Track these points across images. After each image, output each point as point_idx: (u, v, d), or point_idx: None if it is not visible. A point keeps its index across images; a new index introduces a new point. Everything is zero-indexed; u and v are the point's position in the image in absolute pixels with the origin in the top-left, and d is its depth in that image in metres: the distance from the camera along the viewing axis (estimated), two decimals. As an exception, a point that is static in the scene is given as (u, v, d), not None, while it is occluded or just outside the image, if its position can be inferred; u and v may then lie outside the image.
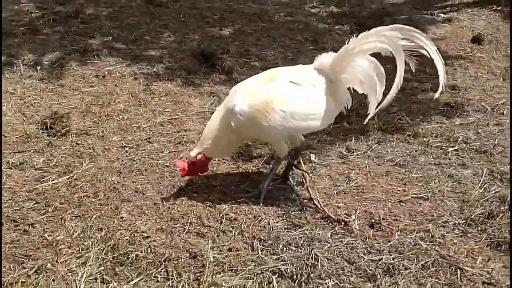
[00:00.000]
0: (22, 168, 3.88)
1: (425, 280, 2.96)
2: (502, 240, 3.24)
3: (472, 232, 3.35)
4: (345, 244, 3.24)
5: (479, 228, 3.37)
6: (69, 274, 2.97)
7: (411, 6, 7.43)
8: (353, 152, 4.20)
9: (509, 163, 4.01)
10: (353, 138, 4.35)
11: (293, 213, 3.49)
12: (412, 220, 3.46)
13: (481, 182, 3.80)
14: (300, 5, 7.39)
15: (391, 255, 3.15)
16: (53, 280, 2.92)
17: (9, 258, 3.06)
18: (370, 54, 3.29)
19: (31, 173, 3.84)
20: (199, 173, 3.66)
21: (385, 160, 4.11)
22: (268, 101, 3.31)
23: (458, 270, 3.03)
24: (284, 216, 3.45)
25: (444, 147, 4.26)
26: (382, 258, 3.11)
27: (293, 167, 3.80)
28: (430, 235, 3.31)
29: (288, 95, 3.33)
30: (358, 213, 3.50)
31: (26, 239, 3.23)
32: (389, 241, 3.25)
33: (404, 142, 4.35)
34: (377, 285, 2.95)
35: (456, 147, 4.25)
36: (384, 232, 3.33)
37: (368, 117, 3.33)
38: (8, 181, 3.72)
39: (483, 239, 3.29)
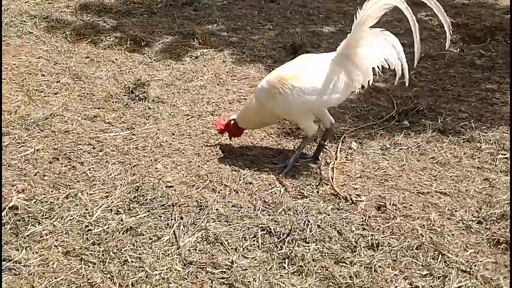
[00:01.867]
0: (94, 120, 4.43)
1: (402, 258, 3.03)
2: (502, 238, 3.19)
3: (477, 228, 3.33)
4: (342, 218, 3.39)
5: (487, 226, 3.34)
6: (91, 202, 3.41)
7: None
8: (397, 146, 4.26)
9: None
10: (403, 134, 4.40)
11: (307, 187, 3.68)
12: (422, 210, 3.49)
13: (516, 190, 3.71)
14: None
15: (383, 234, 3.24)
16: (76, 205, 3.38)
17: (50, 184, 3.58)
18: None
19: (100, 124, 4.38)
20: (233, 136, 4.04)
21: (428, 158, 4.15)
22: (282, 78, 3.62)
23: (440, 255, 3.06)
24: (298, 188, 3.65)
25: (494, 154, 4.19)
26: (373, 235, 3.22)
27: (324, 148, 3.98)
28: (431, 223, 3.33)
29: (301, 73, 3.60)
30: (371, 196, 3.60)
31: (72, 172, 3.74)
32: (388, 223, 3.34)
33: (456, 145, 4.33)
34: (354, 255, 3.06)
35: (506, 155, 4.16)
36: (387, 215, 3.43)
37: (397, 78, 3.68)
38: (78, 128, 4.27)
39: (484, 235, 3.26)
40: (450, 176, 3.89)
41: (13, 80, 4.89)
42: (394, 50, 3.58)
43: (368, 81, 3.74)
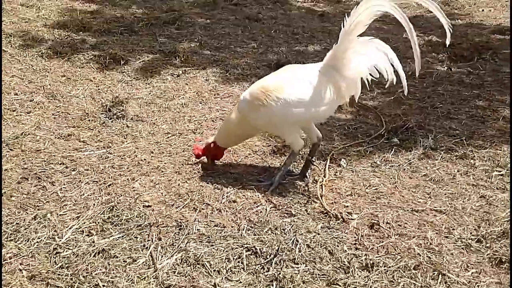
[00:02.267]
0: (68, 139, 4.19)
1: (400, 279, 2.79)
2: (505, 257, 2.96)
3: (477, 247, 3.10)
4: (333, 237, 3.15)
5: (487, 245, 3.12)
6: (61, 223, 3.14)
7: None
8: (388, 163, 4.06)
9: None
10: (394, 151, 4.20)
11: (295, 205, 3.45)
12: (418, 229, 3.27)
13: (515, 207, 3.50)
14: (398, 32, 7.28)
15: (378, 253, 3.01)
16: (44, 226, 3.11)
17: (17, 205, 3.31)
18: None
19: (74, 143, 4.13)
20: (213, 159, 3.80)
21: (420, 175, 3.95)
22: (266, 89, 3.41)
23: (441, 275, 2.82)
24: (285, 206, 3.41)
25: (489, 171, 3.99)
26: (366, 255, 2.98)
27: (312, 164, 3.76)
28: (429, 242, 3.10)
29: (286, 84, 3.39)
30: (363, 214, 3.37)
31: (42, 192, 3.48)
32: (382, 242, 3.10)
33: (449, 162, 4.14)
34: (348, 276, 2.82)
35: (502, 172, 3.97)
36: (380, 233, 3.20)
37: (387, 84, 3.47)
38: (50, 147, 4.01)
39: (485, 254, 3.04)
40: (445, 194, 3.69)
41: (-16, 99, 4.63)
42: (386, 58, 3.38)
43: (357, 93, 3.53)
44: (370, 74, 3.47)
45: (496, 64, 6.24)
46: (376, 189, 3.68)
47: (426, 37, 7.00)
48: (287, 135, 3.56)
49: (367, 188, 3.69)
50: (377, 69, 3.43)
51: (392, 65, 3.40)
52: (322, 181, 3.64)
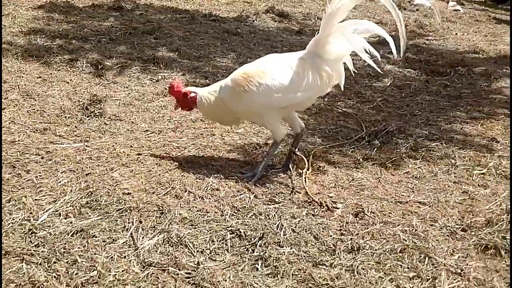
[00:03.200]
0: (44, 133, 4.07)
1: (386, 261, 2.73)
2: (491, 243, 2.93)
3: (462, 234, 3.07)
4: (318, 223, 3.09)
5: (472, 232, 3.08)
6: (37, 207, 3.02)
7: (492, 62, 7.17)
8: (371, 161, 4.03)
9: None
10: (376, 150, 4.18)
11: (279, 194, 3.38)
12: (402, 218, 3.23)
13: (497, 201, 3.48)
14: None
15: (363, 238, 2.95)
16: (19, 209, 2.99)
17: (-11, 190, 3.17)
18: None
19: (50, 137, 4.02)
20: (181, 107, 3.70)
21: (403, 172, 3.92)
22: (248, 75, 3.38)
23: (427, 258, 2.77)
24: (269, 196, 3.34)
25: (470, 169, 3.99)
26: (352, 239, 2.92)
27: (295, 155, 3.70)
28: (414, 229, 3.06)
29: (267, 69, 3.38)
30: (347, 203, 3.32)
31: (16, 180, 3.35)
32: (367, 228, 3.05)
33: (430, 162, 4.14)
34: (334, 258, 2.75)
35: (483, 171, 3.97)
36: (365, 221, 3.16)
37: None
38: (25, 139, 3.90)
39: (471, 240, 3.00)
40: (428, 189, 3.67)
41: (-44, 96, 4.50)
42: (365, 41, 3.37)
43: (341, 81, 3.50)
44: (353, 55, 3.45)
45: (472, 78, 6.35)
46: (359, 182, 3.65)
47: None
48: (268, 122, 3.52)
49: (350, 182, 3.65)
50: (362, 49, 3.40)
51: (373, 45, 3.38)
52: (306, 174, 3.57)
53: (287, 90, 3.36)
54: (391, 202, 3.41)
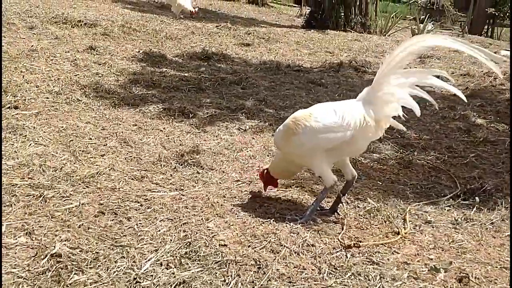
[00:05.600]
0: (141, 181, 4.20)
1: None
2: None
3: None
4: (421, 287, 3.01)
5: None
6: (139, 255, 3.10)
7: None
8: (470, 221, 3.92)
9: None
10: (475, 211, 4.07)
11: (375, 254, 3.34)
12: (509, 285, 3.11)
13: None
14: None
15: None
16: (123, 257, 3.08)
17: (95, 236, 3.30)
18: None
19: (147, 184, 4.14)
20: (267, 185, 4.01)
21: (504, 235, 3.78)
22: (296, 118, 3.57)
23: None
24: (365, 254, 3.31)
25: None
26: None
27: (341, 202, 3.78)
28: None
29: (313, 113, 3.54)
30: (449, 267, 3.23)
31: (118, 226, 3.46)
32: (471, 296, 2.95)
33: (534, 223, 3.96)
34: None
35: None
36: (470, 287, 3.03)
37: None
38: (124, 186, 4.03)
39: None
40: (534, 254, 3.49)
41: (60, 141, 4.74)
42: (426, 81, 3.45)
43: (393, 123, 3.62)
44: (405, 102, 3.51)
45: None
46: (460, 245, 3.54)
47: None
48: (317, 166, 3.62)
49: (450, 243, 3.55)
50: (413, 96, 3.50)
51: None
52: (403, 234, 3.51)
53: (329, 130, 3.47)
54: (496, 267, 3.28)
